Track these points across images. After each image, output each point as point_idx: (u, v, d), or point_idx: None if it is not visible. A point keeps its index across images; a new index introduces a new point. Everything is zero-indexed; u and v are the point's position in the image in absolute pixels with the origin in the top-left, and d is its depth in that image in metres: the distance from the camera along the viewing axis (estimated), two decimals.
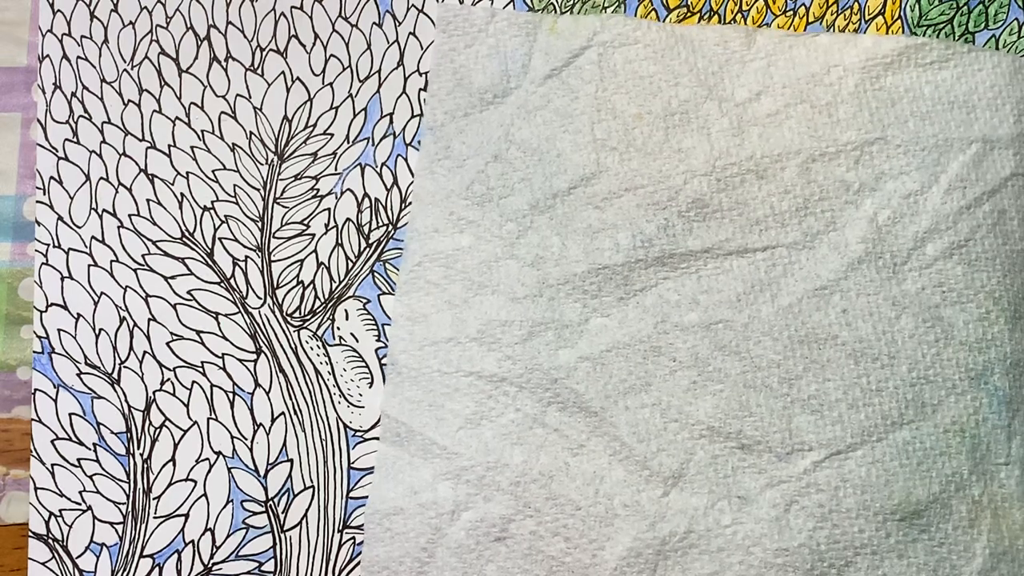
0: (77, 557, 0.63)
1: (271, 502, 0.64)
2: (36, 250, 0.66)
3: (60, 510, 0.64)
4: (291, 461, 0.64)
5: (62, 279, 0.66)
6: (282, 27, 0.68)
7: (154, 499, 0.64)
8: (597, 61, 0.65)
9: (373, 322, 0.65)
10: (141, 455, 0.64)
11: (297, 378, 0.65)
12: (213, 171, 0.67)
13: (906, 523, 0.60)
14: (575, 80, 0.65)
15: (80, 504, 0.64)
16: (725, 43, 0.65)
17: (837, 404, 0.61)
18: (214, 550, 0.63)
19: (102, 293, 0.65)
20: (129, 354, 0.65)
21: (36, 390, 0.65)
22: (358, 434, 0.64)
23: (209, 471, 0.64)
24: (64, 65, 0.68)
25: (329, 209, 0.66)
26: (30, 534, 0.64)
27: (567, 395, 0.62)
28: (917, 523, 0.60)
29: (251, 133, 0.67)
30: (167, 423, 0.64)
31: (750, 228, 0.63)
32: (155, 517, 0.64)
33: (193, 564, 0.63)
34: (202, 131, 0.67)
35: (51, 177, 0.67)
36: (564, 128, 0.65)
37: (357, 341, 0.65)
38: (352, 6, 0.68)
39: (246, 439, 0.64)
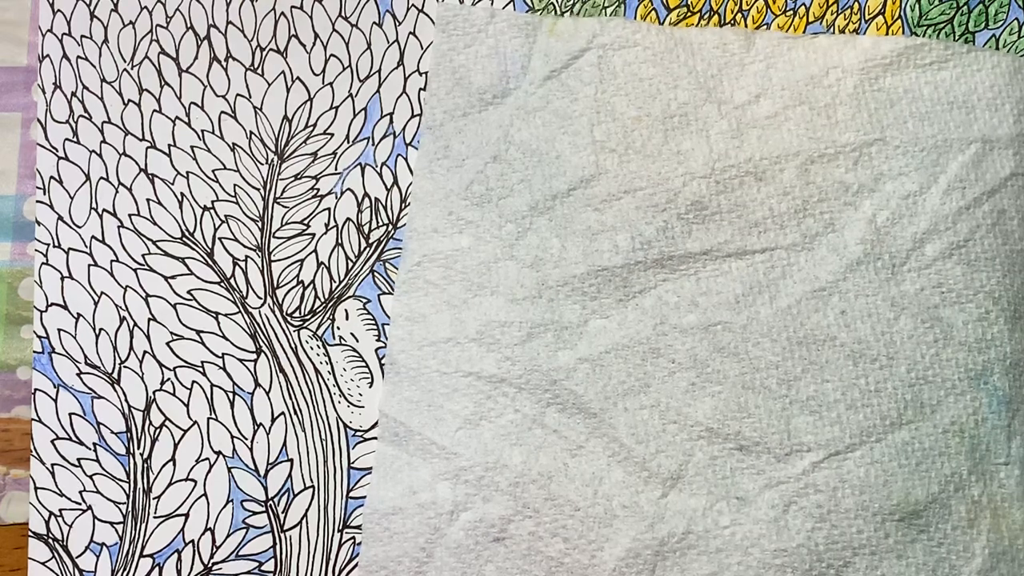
0: (77, 557, 0.64)
1: (271, 502, 0.64)
2: (36, 250, 0.66)
3: (60, 510, 0.64)
4: (291, 461, 0.64)
5: (62, 279, 0.66)
6: (282, 27, 0.68)
7: (154, 499, 0.64)
8: (596, 63, 0.65)
9: (373, 322, 0.65)
10: (141, 455, 0.64)
11: (297, 378, 0.65)
12: (213, 171, 0.67)
13: (905, 523, 0.60)
14: (574, 82, 0.65)
15: (80, 504, 0.64)
16: (724, 46, 0.65)
17: (836, 405, 0.61)
18: (214, 550, 0.64)
19: (102, 293, 0.65)
20: (129, 354, 0.65)
21: (36, 390, 0.65)
22: (358, 434, 0.64)
23: (209, 471, 0.64)
24: (64, 65, 0.68)
25: (329, 209, 0.66)
26: (30, 534, 0.64)
27: (566, 396, 0.62)
28: (916, 523, 0.60)
29: (251, 133, 0.67)
30: (167, 423, 0.64)
31: (749, 230, 0.63)
32: (155, 517, 0.64)
33: (193, 564, 0.63)
34: (202, 131, 0.67)
35: (51, 177, 0.67)
36: (563, 130, 0.65)
37: (357, 341, 0.65)
38: (352, 6, 0.68)
39: (246, 439, 0.64)
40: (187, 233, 0.66)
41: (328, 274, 0.66)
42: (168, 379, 0.65)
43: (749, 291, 0.63)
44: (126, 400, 0.65)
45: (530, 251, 0.64)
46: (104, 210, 0.66)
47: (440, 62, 0.67)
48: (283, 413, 0.65)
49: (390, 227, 0.66)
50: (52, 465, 0.64)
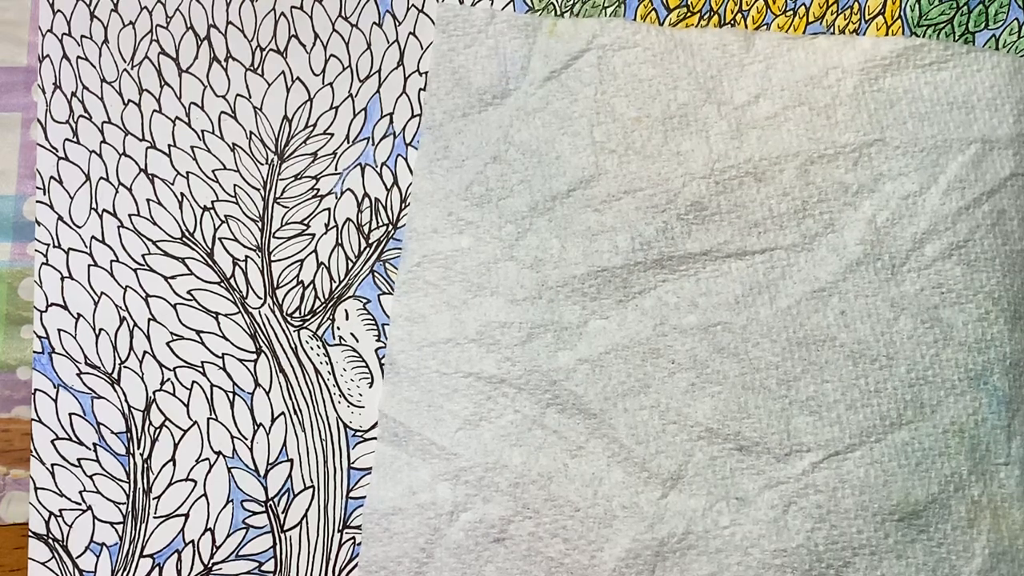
0: (77, 557, 0.64)
1: (271, 502, 0.64)
2: (36, 250, 0.66)
3: (60, 510, 0.64)
4: (291, 461, 0.64)
5: (62, 279, 0.66)
6: (282, 27, 0.68)
7: (154, 499, 0.64)
8: (596, 64, 0.65)
9: (373, 322, 0.65)
10: (141, 455, 0.64)
11: (297, 378, 0.65)
12: (213, 171, 0.67)
13: (905, 523, 0.60)
14: (574, 83, 0.65)
15: (80, 504, 0.64)
16: (724, 47, 0.65)
17: (835, 405, 0.61)
18: (214, 550, 0.64)
19: (102, 293, 0.65)
20: (129, 354, 0.65)
21: (36, 390, 0.65)
22: (358, 434, 0.64)
23: (209, 471, 0.64)
24: (64, 65, 0.68)
25: (329, 209, 0.66)
26: (30, 534, 0.64)
27: (566, 397, 0.62)
28: (916, 523, 0.60)
29: (251, 133, 0.67)
30: (167, 423, 0.64)
31: (748, 230, 0.63)
32: (155, 517, 0.64)
33: (193, 564, 0.63)
34: (202, 131, 0.67)
35: (51, 177, 0.67)
36: (563, 130, 0.65)
37: (357, 341, 0.65)
38: (352, 6, 0.68)
39: (246, 439, 0.64)
40: (187, 233, 0.66)
41: (328, 274, 0.66)
42: (168, 379, 0.65)
43: (749, 292, 0.63)
44: (126, 400, 0.65)
45: (530, 252, 0.64)
46: (104, 210, 0.66)
47: (440, 62, 0.67)
48: (283, 413, 0.65)
49: (390, 227, 0.66)
50: (52, 465, 0.64)
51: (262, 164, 0.67)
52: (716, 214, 0.63)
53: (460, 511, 0.62)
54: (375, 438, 0.64)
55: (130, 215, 0.66)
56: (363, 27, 0.68)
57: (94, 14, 0.68)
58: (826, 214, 0.63)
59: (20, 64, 0.68)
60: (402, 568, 0.62)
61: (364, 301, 0.66)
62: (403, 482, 0.63)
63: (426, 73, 0.67)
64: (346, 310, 0.66)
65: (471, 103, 0.66)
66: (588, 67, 0.65)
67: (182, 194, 0.67)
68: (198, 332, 0.65)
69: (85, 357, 0.65)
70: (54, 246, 0.66)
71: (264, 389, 0.65)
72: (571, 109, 0.65)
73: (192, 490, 0.64)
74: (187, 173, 0.67)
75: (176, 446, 0.64)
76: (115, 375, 0.65)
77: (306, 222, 0.66)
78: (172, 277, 0.66)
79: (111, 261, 0.66)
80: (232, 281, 0.66)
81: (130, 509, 0.64)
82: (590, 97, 0.65)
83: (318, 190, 0.66)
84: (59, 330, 0.65)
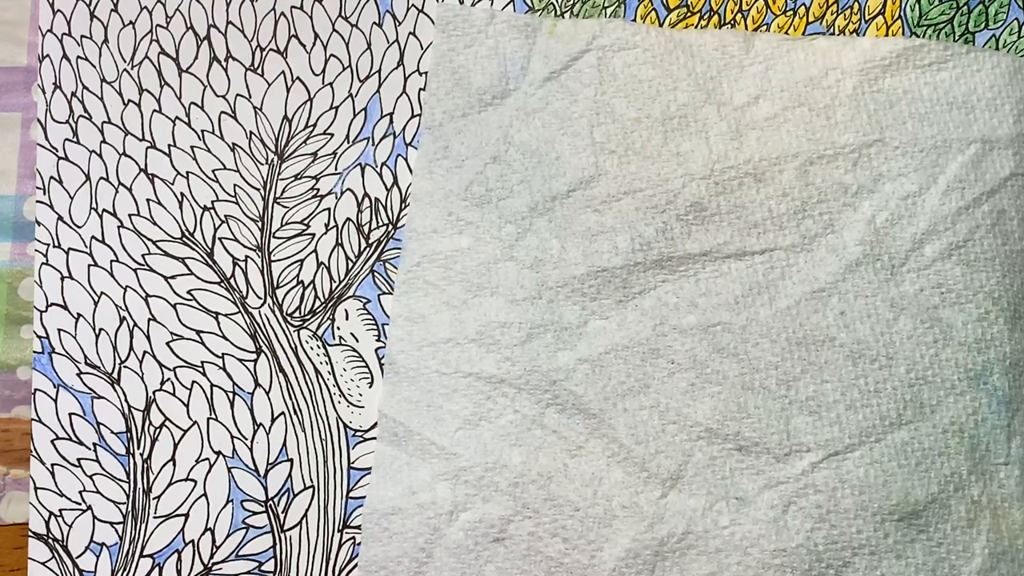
0: (77, 557, 0.64)
1: (271, 502, 0.64)
2: (36, 250, 0.66)
3: (60, 510, 0.64)
4: (291, 461, 0.64)
5: (62, 279, 0.66)
6: (282, 27, 0.68)
7: (154, 499, 0.64)
8: (596, 65, 0.65)
9: (373, 322, 0.65)
10: (141, 455, 0.64)
11: (297, 378, 0.65)
12: (213, 171, 0.67)
13: (904, 523, 0.60)
14: (574, 83, 0.65)
15: (80, 504, 0.64)
16: (723, 48, 0.65)
17: (835, 405, 0.61)
18: (214, 550, 0.64)
19: (102, 293, 0.66)
20: (129, 354, 0.65)
21: (36, 390, 0.65)
22: (358, 434, 0.64)
23: (209, 471, 0.64)
24: (64, 65, 0.68)
25: (329, 209, 0.66)
26: (30, 534, 0.64)
27: (566, 397, 0.62)
28: (916, 523, 0.60)
29: (251, 133, 0.67)
30: (167, 423, 0.64)
31: (748, 231, 0.63)
32: (155, 517, 0.64)
33: (193, 564, 0.63)
34: (202, 131, 0.67)
35: (51, 177, 0.67)
36: (563, 131, 0.65)
37: (357, 341, 0.65)
38: (352, 6, 0.68)
39: (246, 439, 0.64)
40: (187, 233, 0.66)
41: (328, 274, 0.66)
42: (168, 379, 0.65)
43: (748, 292, 0.63)
44: (126, 400, 0.65)
45: (530, 252, 0.64)
46: (104, 210, 0.66)
47: (440, 62, 0.67)
48: (283, 413, 0.65)
49: (390, 227, 0.66)
50: (52, 465, 0.64)
51: (262, 164, 0.67)
52: (716, 215, 0.63)
53: (460, 511, 0.62)
54: (375, 438, 0.64)
55: (130, 215, 0.66)
56: (363, 27, 0.68)
57: (94, 14, 0.68)
58: (826, 215, 0.63)
59: (20, 64, 0.68)
60: (402, 568, 0.62)
61: (364, 301, 0.66)
62: (403, 482, 0.63)
63: (426, 73, 0.67)
64: (346, 310, 0.66)
65: (471, 103, 0.66)
66: (588, 68, 0.65)
67: (182, 194, 0.67)
68: (198, 332, 0.65)
69: (85, 357, 0.65)
70: (54, 246, 0.66)
71: (264, 389, 0.65)
72: (571, 109, 0.65)
73: (192, 490, 0.64)
74: (187, 173, 0.67)
75: (176, 446, 0.64)
76: (115, 375, 0.65)
77: (306, 222, 0.66)
78: (172, 277, 0.66)
79: (111, 261, 0.66)
80: (232, 281, 0.66)
81: (130, 509, 0.64)
82: (590, 98, 0.65)
83: (318, 190, 0.67)
84: (59, 330, 0.65)
